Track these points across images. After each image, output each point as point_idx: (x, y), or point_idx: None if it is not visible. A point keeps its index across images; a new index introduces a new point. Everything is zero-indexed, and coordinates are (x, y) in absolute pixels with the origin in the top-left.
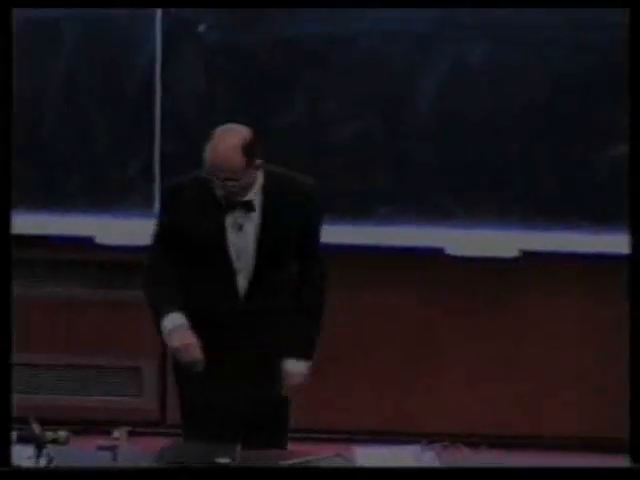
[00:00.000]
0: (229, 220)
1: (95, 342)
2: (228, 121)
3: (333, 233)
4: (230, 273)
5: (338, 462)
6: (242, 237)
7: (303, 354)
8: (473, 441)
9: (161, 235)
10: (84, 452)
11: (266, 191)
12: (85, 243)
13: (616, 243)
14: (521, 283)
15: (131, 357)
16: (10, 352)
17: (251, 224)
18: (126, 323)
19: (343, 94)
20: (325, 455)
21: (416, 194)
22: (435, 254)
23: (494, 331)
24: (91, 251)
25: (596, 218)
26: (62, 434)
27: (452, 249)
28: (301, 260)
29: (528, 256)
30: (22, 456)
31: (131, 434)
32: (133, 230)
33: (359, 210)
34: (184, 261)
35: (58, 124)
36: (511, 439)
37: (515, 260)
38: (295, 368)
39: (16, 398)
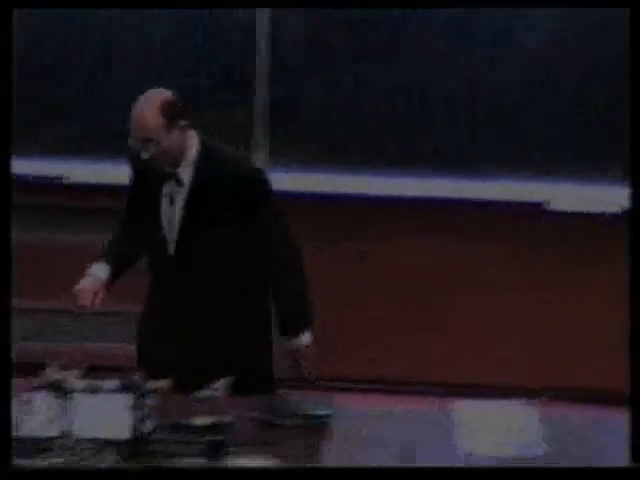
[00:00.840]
0: (165, 189)
1: None
2: (329, 67)
3: (438, 187)
4: (162, 241)
5: (436, 416)
6: (172, 209)
7: (302, 326)
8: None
9: (128, 196)
10: (186, 401)
11: (198, 165)
12: None
13: None
14: (621, 240)
15: None
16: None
17: (180, 197)
18: None
19: (446, 50)
20: (427, 409)
21: (520, 149)
22: (536, 209)
23: (593, 286)
24: None
25: None
26: (163, 383)
27: (554, 204)
28: (256, 231)
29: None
30: (123, 405)
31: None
32: None
33: (465, 165)
34: (134, 220)
35: (161, 72)
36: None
37: (616, 216)
38: (302, 342)
39: (116, 347)
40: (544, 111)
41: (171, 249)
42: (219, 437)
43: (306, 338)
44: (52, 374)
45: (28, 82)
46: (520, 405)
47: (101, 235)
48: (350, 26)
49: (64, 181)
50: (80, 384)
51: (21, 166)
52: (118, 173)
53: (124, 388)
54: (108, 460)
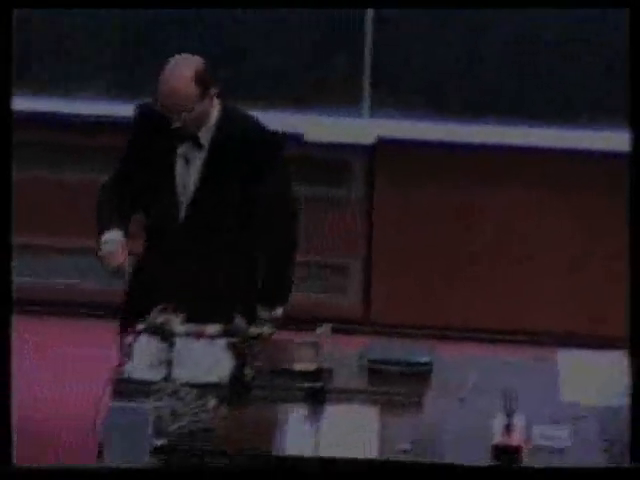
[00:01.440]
0: (180, 151)
1: (303, 238)
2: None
3: (536, 135)
4: (174, 204)
5: (538, 365)
6: (187, 170)
7: (276, 301)
8: None
9: (125, 156)
10: (288, 346)
11: (218, 127)
12: (294, 140)
13: None
14: None
15: (338, 255)
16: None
17: (198, 159)
18: (333, 221)
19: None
20: (528, 358)
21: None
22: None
23: None
24: (300, 147)
25: None
26: (266, 329)
27: None
28: (262, 201)
29: None
30: (224, 350)
31: (335, 331)
32: (342, 128)
33: (561, 114)
34: (138, 184)
35: (264, 23)
36: None
37: None
38: (274, 315)
39: None
40: None
41: (182, 212)
42: (319, 384)
43: (278, 312)
44: (156, 318)
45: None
46: (613, 355)
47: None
48: None
49: (62, 118)
50: (183, 328)
51: (20, 103)
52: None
53: (227, 332)
54: (209, 404)
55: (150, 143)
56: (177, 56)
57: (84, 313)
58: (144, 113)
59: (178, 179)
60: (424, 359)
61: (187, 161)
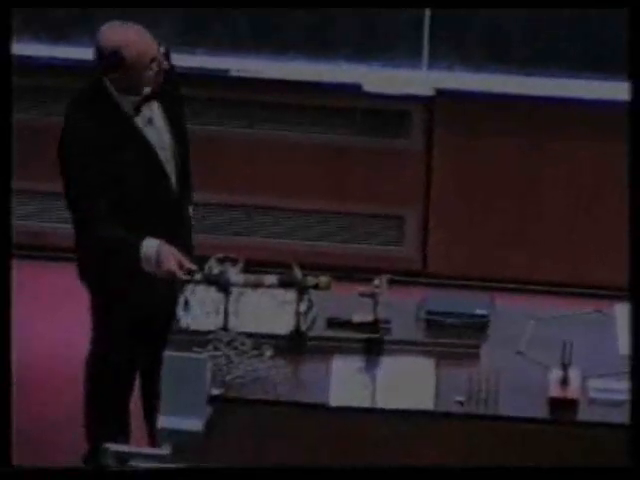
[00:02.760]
0: (138, 120)
1: (360, 189)
2: None
3: (598, 88)
4: (160, 170)
5: (597, 318)
6: (155, 130)
7: None
8: None
9: (86, 172)
10: (345, 298)
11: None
12: (353, 90)
13: None
14: None
15: (395, 206)
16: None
17: (156, 114)
18: (391, 172)
19: None
20: (586, 311)
21: None
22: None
23: None
24: (358, 98)
25: None
26: (324, 279)
27: None
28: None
29: None
30: (281, 300)
31: (392, 282)
32: (401, 79)
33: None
34: (117, 179)
35: None
36: None
37: None
38: None
39: (277, 243)
40: None
41: (173, 172)
42: (377, 335)
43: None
44: (213, 267)
45: None
46: None
47: None
48: None
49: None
50: (240, 278)
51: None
52: None
53: (284, 283)
54: (266, 354)
55: (105, 131)
56: (117, 23)
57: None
58: (82, 112)
59: (153, 143)
60: (481, 311)
61: (150, 121)
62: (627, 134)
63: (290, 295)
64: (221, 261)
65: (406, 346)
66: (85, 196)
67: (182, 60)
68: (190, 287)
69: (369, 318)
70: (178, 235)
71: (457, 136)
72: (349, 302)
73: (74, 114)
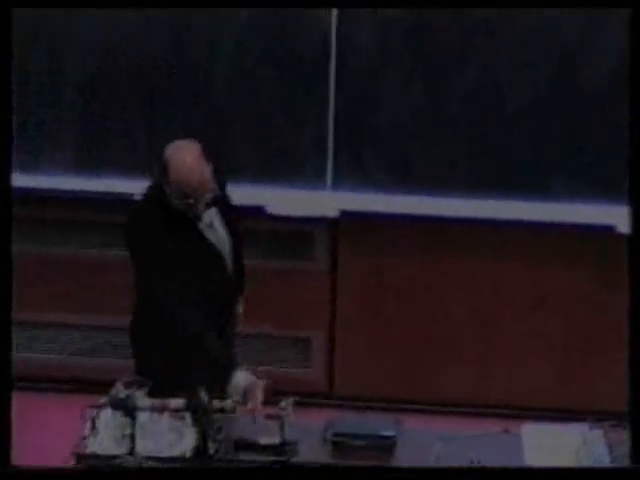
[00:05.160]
0: (201, 225)
1: (266, 311)
2: (400, 92)
3: (506, 208)
4: (223, 267)
5: (505, 438)
6: (215, 232)
7: None
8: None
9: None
10: (252, 421)
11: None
12: (257, 213)
13: None
14: None
15: (300, 327)
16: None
17: (216, 219)
18: (296, 293)
19: (516, 64)
20: (493, 431)
21: (590, 170)
22: (607, 231)
23: None
24: (262, 220)
25: None
26: (229, 403)
27: (622, 227)
28: None
29: None
30: (189, 423)
31: (298, 404)
32: (305, 201)
33: (534, 185)
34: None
35: (232, 96)
36: None
37: None
38: None
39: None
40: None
41: (229, 267)
42: (284, 457)
43: None
44: (119, 392)
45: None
46: (585, 428)
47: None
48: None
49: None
50: (147, 402)
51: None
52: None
53: (190, 407)
54: None
55: (175, 240)
56: (178, 143)
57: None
58: (147, 223)
59: (219, 245)
60: (388, 432)
61: (211, 225)
62: (528, 255)
63: (196, 418)
64: (128, 385)
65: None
66: (176, 304)
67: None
68: (96, 412)
69: (276, 440)
70: (230, 325)
71: (361, 257)
72: (256, 424)
73: (141, 219)
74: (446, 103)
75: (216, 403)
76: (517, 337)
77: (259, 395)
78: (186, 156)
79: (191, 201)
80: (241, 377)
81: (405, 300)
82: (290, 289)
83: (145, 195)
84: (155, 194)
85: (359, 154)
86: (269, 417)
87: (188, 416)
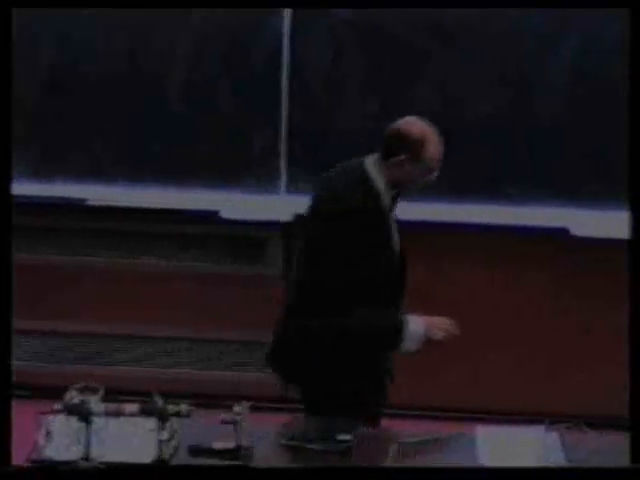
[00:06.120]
0: (390, 220)
1: (218, 316)
2: (354, 99)
3: (462, 212)
4: (401, 263)
5: (460, 440)
6: (393, 226)
7: None
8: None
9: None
10: (207, 426)
11: None
12: (211, 217)
13: None
14: None
15: (254, 331)
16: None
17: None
18: (248, 298)
19: (473, 74)
20: (448, 433)
21: (544, 174)
22: (560, 234)
23: (621, 312)
24: (215, 225)
25: None
26: (184, 407)
27: (577, 230)
28: None
29: None
30: (145, 428)
31: (253, 409)
32: (259, 205)
33: (488, 189)
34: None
35: (185, 101)
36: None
37: None
38: None
39: (138, 371)
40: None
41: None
42: (239, 462)
43: None
44: (73, 397)
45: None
46: (541, 430)
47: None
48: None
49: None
50: (101, 407)
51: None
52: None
53: (145, 411)
54: None
55: (379, 232)
56: (414, 121)
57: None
58: (363, 204)
59: (394, 238)
60: (344, 436)
61: (393, 218)
62: (485, 257)
63: (151, 423)
64: (81, 390)
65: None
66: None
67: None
68: (50, 418)
69: (231, 445)
70: None
71: None
72: (211, 429)
73: (351, 209)
74: (401, 110)
75: (171, 408)
76: (480, 340)
77: (439, 322)
78: (431, 129)
79: (436, 173)
80: (415, 322)
81: None
82: (244, 293)
83: (350, 186)
84: (364, 184)
85: (314, 158)
86: (224, 422)
87: (144, 421)
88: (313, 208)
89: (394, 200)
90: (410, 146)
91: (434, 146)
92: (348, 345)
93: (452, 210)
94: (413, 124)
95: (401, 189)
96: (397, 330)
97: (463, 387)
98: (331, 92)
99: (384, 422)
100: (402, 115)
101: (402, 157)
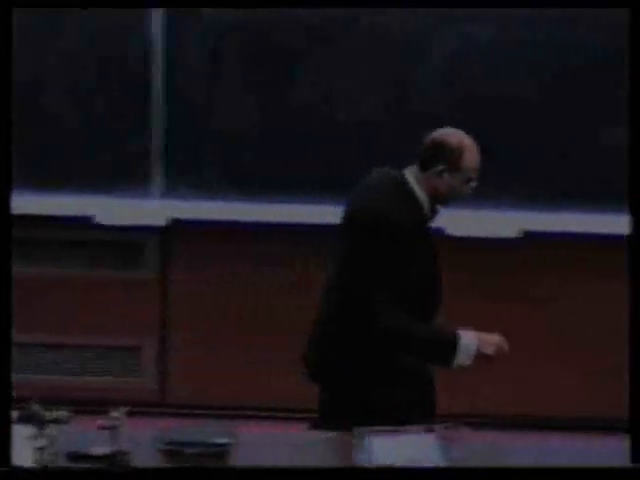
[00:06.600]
0: (429, 229)
1: (95, 322)
2: (231, 101)
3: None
4: (438, 273)
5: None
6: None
7: None
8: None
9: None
10: (84, 432)
11: None
12: (85, 223)
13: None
14: (521, 264)
15: (131, 336)
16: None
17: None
18: (126, 303)
19: (350, 73)
20: (330, 435)
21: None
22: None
23: (494, 312)
24: (90, 230)
25: (596, 199)
26: (62, 413)
27: (452, 229)
28: None
29: (529, 237)
30: (23, 435)
31: (130, 414)
32: (132, 210)
33: None
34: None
35: (58, 105)
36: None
37: (515, 240)
38: None
39: (15, 378)
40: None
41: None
42: (116, 467)
43: None
44: (31, 406)
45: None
46: (420, 432)
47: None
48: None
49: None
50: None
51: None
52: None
53: (23, 418)
54: None
55: (419, 245)
56: (453, 131)
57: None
58: (399, 218)
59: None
60: (221, 440)
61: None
62: None
63: (29, 430)
64: (39, 400)
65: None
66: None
67: None
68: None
69: (108, 450)
70: None
71: (192, 265)
72: (89, 435)
73: (396, 218)
74: (278, 110)
75: (49, 414)
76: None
77: (490, 339)
78: (469, 139)
79: (474, 182)
80: (468, 337)
81: (236, 306)
82: (120, 298)
83: (395, 199)
84: (408, 199)
85: (192, 162)
86: (102, 427)
87: (22, 428)
88: (354, 219)
89: (433, 212)
90: (448, 155)
91: (472, 155)
92: (396, 356)
93: (327, 212)
94: (450, 134)
95: (441, 201)
96: (452, 344)
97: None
98: (207, 93)
99: (261, 424)
100: (279, 115)
101: (440, 167)
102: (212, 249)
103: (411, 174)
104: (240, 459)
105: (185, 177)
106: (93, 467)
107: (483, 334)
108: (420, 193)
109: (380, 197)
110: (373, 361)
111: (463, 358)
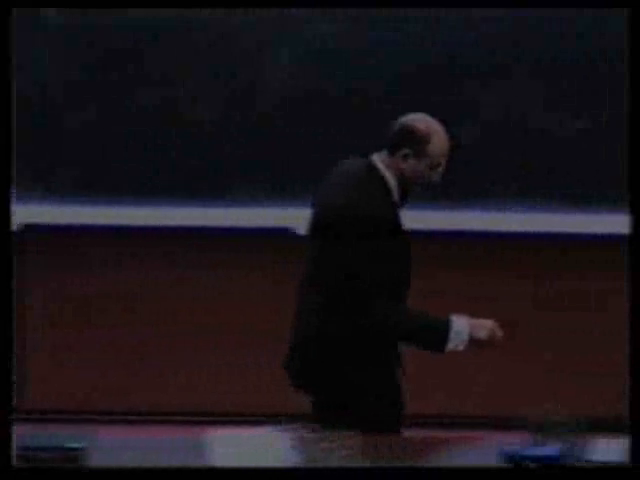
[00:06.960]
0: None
1: None
2: (79, 105)
3: (192, 216)
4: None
5: (190, 443)
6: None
7: None
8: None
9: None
10: None
11: None
12: None
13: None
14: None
15: None
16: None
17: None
18: None
19: (194, 76)
20: (178, 437)
21: (273, 175)
22: (283, 234)
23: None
24: None
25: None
26: None
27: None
28: None
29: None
30: None
31: None
32: None
33: (214, 191)
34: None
35: None
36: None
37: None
38: None
39: None
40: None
41: None
42: None
43: None
44: None
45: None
46: (276, 431)
47: None
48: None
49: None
50: None
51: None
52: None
53: None
54: None
55: (387, 217)
56: (419, 116)
57: None
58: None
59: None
60: (76, 444)
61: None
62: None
63: None
64: None
65: None
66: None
67: None
68: None
69: None
70: None
71: (47, 272)
72: None
73: (373, 207)
74: (120, 112)
75: None
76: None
77: (483, 323)
78: (438, 125)
79: (441, 168)
80: (460, 322)
81: (95, 313)
82: None
83: (364, 183)
84: (378, 181)
85: (41, 167)
86: None
87: None
88: (327, 214)
89: (403, 198)
90: (414, 140)
91: (440, 141)
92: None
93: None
94: (419, 119)
95: (408, 185)
96: (444, 329)
97: (201, 390)
98: (54, 94)
99: (121, 429)
100: (122, 117)
101: (406, 151)
102: (71, 253)
103: (379, 159)
104: (96, 463)
105: (38, 183)
106: None
107: (476, 319)
108: (389, 177)
109: (353, 188)
110: (364, 360)
111: (456, 343)
